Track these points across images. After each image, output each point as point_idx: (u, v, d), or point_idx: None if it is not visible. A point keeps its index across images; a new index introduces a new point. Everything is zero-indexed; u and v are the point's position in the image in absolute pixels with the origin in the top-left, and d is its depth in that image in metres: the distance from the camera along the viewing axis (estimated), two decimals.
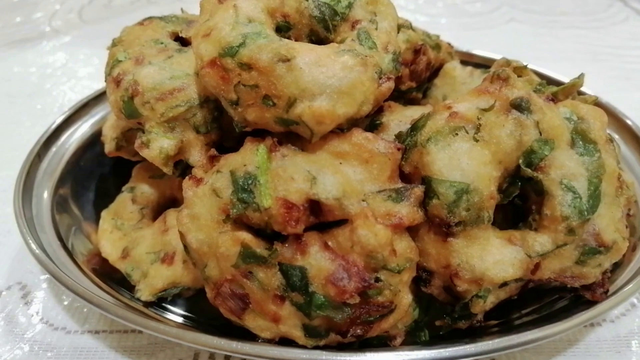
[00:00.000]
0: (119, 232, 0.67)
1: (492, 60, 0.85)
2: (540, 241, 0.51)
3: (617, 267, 0.60)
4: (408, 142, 0.53)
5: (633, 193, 0.54)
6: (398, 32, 0.63)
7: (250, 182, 0.50)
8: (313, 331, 0.50)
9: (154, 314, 0.57)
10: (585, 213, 0.49)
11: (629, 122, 0.74)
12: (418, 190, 0.50)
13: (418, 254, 0.51)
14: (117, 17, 1.35)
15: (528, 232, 0.52)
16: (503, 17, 1.34)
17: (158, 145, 0.57)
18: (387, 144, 0.50)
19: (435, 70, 0.75)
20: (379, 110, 0.65)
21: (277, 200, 0.48)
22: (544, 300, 0.60)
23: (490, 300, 0.53)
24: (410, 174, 0.52)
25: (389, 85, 0.53)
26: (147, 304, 0.60)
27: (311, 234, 0.50)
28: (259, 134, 0.54)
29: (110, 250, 0.65)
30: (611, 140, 0.53)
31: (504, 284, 0.52)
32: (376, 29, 0.57)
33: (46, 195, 0.69)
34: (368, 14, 0.57)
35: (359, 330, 0.49)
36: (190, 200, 0.53)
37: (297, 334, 0.51)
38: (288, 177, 0.49)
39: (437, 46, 0.73)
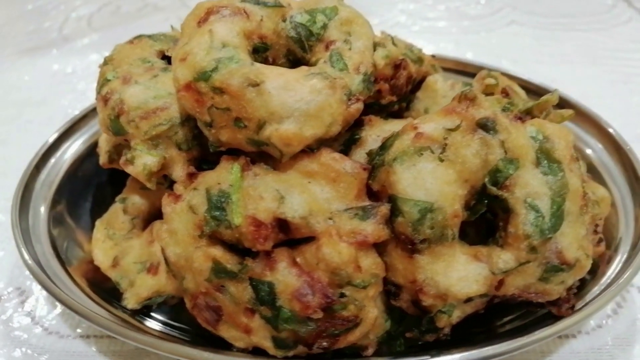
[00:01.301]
0: (111, 241, 0.70)
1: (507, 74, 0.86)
2: (504, 258, 0.52)
3: (592, 278, 0.61)
4: (376, 160, 0.55)
5: (599, 211, 0.55)
6: (375, 50, 0.64)
7: (223, 200, 0.52)
8: (281, 343, 0.52)
9: (137, 322, 0.60)
10: (547, 232, 0.51)
11: (611, 130, 0.74)
12: (384, 209, 0.52)
13: (384, 270, 0.53)
14: (125, 24, 1.39)
15: (494, 249, 0.54)
16: (504, 19, 1.33)
17: (142, 162, 0.60)
18: (353, 164, 0.52)
19: (418, 83, 0.76)
20: (359, 125, 0.66)
21: (246, 218, 0.51)
22: (529, 307, 0.61)
23: (456, 315, 0.54)
24: (379, 192, 0.54)
25: (357, 107, 0.55)
26: (134, 312, 0.64)
27: (281, 250, 0.52)
28: (235, 152, 0.56)
29: (102, 258, 0.69)
30: (577, 158, 0.54)
31: (469, 300, 0.53)
32: (350, 49, 0.58)
33: (44, 206, 0.72)
34: (342, 35, 0.59)
35: (324, 343, 0.52)
36: (169, 216, 0.56)
37: (268, 345, 0.53)
38: (257, 196, 0.51)
39: (419, 59, 0.74)
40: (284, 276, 0.51)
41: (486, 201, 0.54)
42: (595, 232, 0.55)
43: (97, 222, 0.73)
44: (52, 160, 0.77)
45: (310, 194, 0.51)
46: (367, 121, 0.67)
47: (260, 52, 0.59)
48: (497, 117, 0.53)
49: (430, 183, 0.51)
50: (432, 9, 1.38)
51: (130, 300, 0.63)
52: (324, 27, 0.59)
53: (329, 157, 0.52)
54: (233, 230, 0.51)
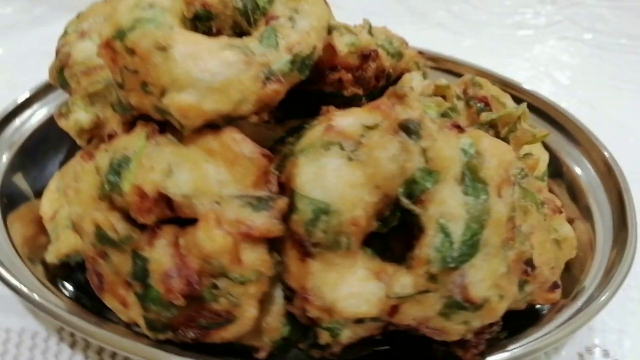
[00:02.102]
0: (59, 193, 0.71)
1: (511, 85, 0.79)
2: (403, 282, 0.45)
3: (533, 326, 0.53)
4: (288, 150, 0.50)
5: (528, 249, 0.46)
6: (331, 33, 0.59)
7: (123, 165, 0.50)
8: (151, 324, 0.49)
9: (49, 284, 0.60)
10: (450, 260, 0.43)
11: (605, 153, 0.63)
12: (282, 202, 0.47)
13: (271, 269, 0.48)
14: None
15: (400, 270, 0.47)
16: (556, 33, 1.20)
17: (74, 117, 0.60)
18: (253, 148, 0.48)
19: (396, 80, 0.69)
20: (315, 115, 0.61)
21: (133, 187, 0.48)
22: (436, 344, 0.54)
23: (346, 335, 0.48)
24: (284, 184, 0.49)
25: (274, 88, 0.50)
26: (56, 271, 0.63)
27: (167, 227, 0.49)
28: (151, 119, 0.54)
29: (46, 209, 0.70)
30: (513, 183, 0.46)
31: (360, 320, 0.47)
32: (292, 27, 0.53)
33: (7, 153, 0.74)
34: (288, 11, 0.54)
35: (192, 333, 0.48)
36: (78, 175, 0.55)
37: (142, 323, 0.51)
38: (149, 167, 0.48)
39: (398, 54, 0.67)
40: (160, 254, 0.48)
41: (399, 214, 0.47)
42: (526, 273, 0.46)
43: (56, 173, 0.74)
44: (28, 112, 0.79)
45: (201, 173, 0.48)
46: (323, 112, 0.61)
47: (203, 20, 0.55)
48: (424, 120, 0.46)
49: (330, 182, 0.46)
50: (482, 12, 1.28)
51: (51, 255, 0.63)
52: (270, 1, 0.54)
53: (230, 137, 0.48)
54: (122, 197, 0.49)
